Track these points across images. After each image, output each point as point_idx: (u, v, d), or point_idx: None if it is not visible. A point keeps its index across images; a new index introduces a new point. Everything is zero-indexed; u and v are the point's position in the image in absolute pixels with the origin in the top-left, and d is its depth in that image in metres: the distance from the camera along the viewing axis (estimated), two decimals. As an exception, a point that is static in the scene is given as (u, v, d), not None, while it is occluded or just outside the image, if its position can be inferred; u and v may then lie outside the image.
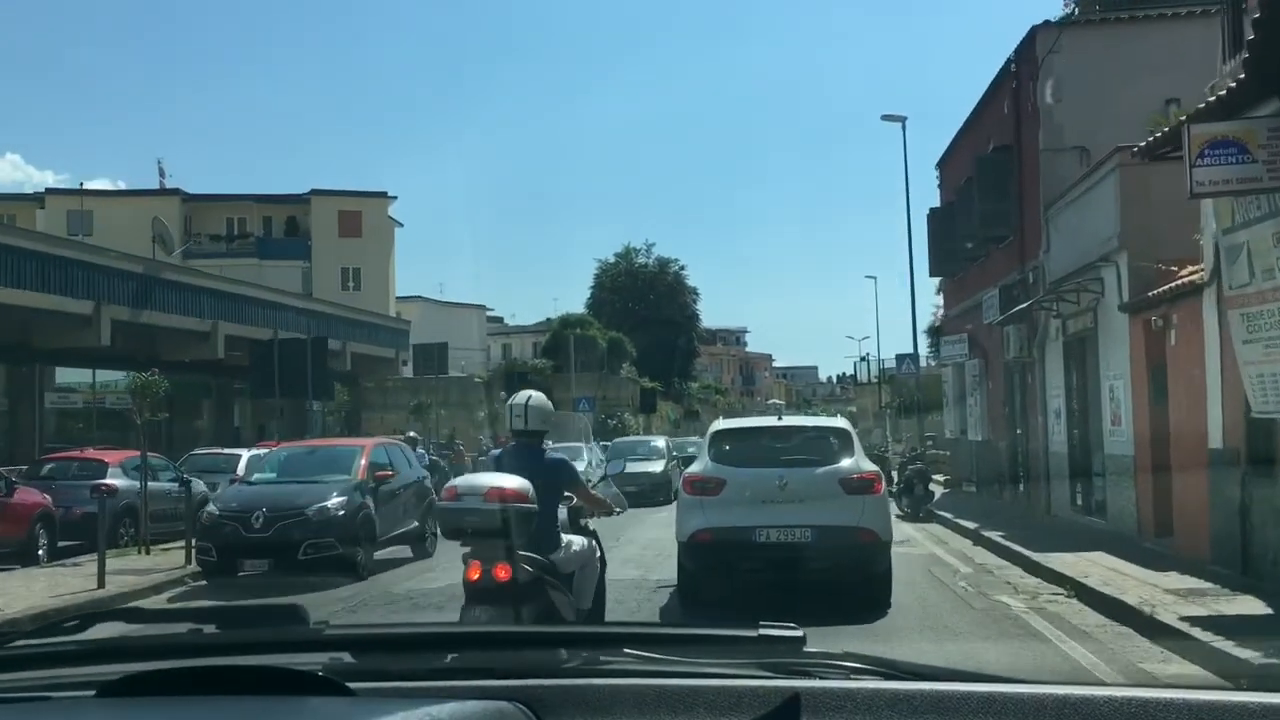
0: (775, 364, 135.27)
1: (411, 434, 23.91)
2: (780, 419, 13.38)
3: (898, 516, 24.26)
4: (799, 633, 2.09)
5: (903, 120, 34.61)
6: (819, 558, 10.81)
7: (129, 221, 58.88)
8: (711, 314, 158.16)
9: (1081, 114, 20.02)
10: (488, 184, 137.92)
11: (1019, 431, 23.03)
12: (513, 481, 6.70)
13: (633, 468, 26.68)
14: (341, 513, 15.21)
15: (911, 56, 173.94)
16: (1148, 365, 15.48)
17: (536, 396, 7.95)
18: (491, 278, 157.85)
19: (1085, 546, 15.59)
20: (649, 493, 26.29)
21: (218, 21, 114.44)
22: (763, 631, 2.10)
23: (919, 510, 23.04)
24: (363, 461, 16.36)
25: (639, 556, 16.24)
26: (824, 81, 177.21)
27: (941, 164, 29.74)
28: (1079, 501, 19.08)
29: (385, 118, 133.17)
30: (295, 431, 38.47)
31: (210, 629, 2.33)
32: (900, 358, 34.89)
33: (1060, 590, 12.70)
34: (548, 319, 78.84)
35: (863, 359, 73.36)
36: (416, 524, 17.62)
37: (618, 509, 8.83)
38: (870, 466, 12.06)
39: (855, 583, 11.12)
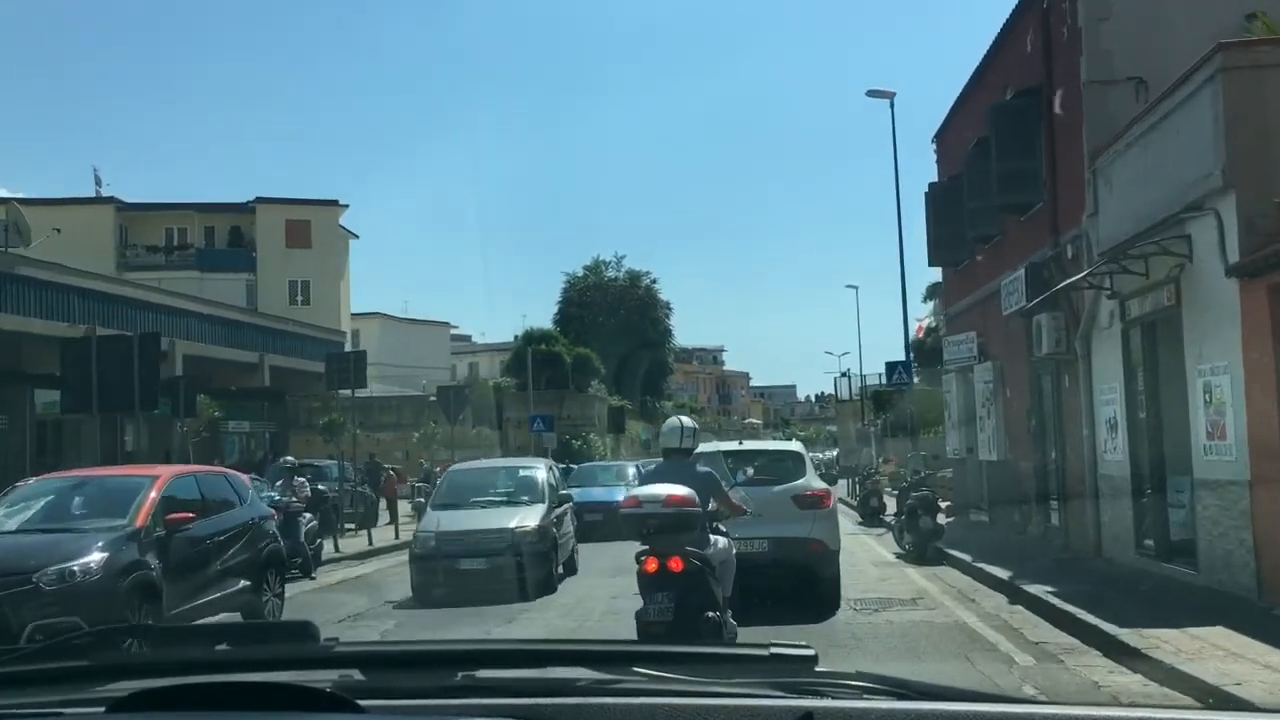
0: (753, 383, 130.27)
1: (288, 459, 18.70)
2: (741, 444, 14.48)
3: (897, 556, 19.36)
4: (810, 652, 2.08)
5: (890, 96, 29.90)
6: (774, 566, 11.88)
7: (62, 231, 53.65)
8: (689, 333, 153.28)
9: (1135, 37, 15.06)
10: (457, 200, 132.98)
11: (1051, 448, 17.95)
12: (683, 490, 7.99)
13: (596, 495, 23.50)
14: (98, 577, 10.01)
15: (895, 75, 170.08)
16: (1275, 352, 10.46)
17: (689, 420, 9.56)
18: (461, 296, 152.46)
19: (1185, 615, 10.48)
20: (616, 524, 20.37)
21: (177, 27, 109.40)
22: (774, 650, 2.09)
23: (925, 548, 17.92)
24: (150, 498, 11.11)
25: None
26: (800, 97, 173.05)
27: (940, 136, 24.72)
28: (1147, 541, 13.97)
29: (353, 133, 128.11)
30: (202, 456, 33.22)
31: (222, 646, 2.35)
32: (891, 366, 29.89)
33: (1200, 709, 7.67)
34: (515, 336, 73.62)
35: (843, 375, 68.28)
36: (245, 583, 12.42)
37: (749, 510, 9.29)
38: (820, 485, 13.59)
39: (808, 587, 12.42)
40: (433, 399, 59.43)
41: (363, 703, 1.88)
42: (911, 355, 66.50)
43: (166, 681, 2.01)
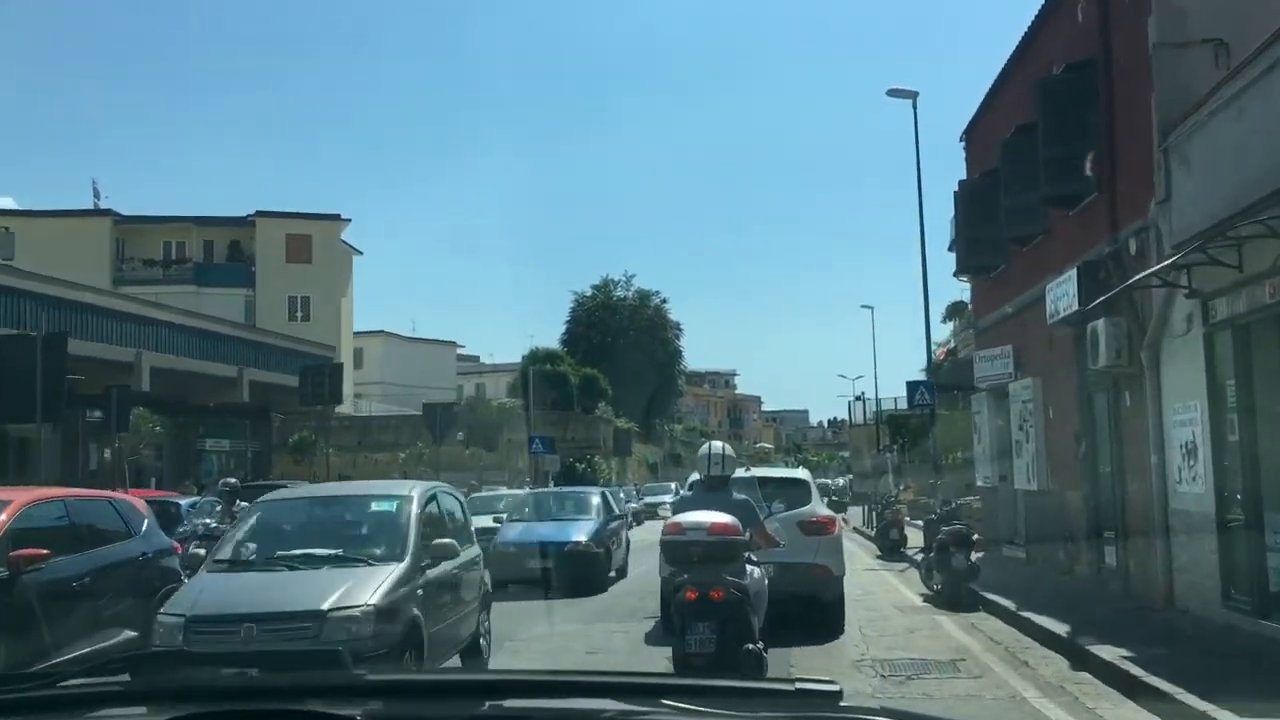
0: (765, 407, 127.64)
1: (228, 481, 16.25)
2: (749, 471, 12.77)
3: (925, 599, 16.82)
4: (836, 687, 2.06)
5: (913, 96, 27.50)
6: (780, 589, 10.47)
7: (56, 245, 51.58)
8: (701, 357, 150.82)
9: (1212, -5, 12.64)
10: (468, 221, 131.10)
11: (1106, 476, 15.34)
12: (727, 518, 7.75)
13: (541, 533, 18.63)
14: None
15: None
16: None
17: (726, 446, 9.22)
18: (470, 317, 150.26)
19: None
20: (566, 571, 17.08)
21: (190, 39, 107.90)
22: (799, 685, 2.08)
23: (959, 591, 15.32)
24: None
25: None
26: (811, 118, 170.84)
27: (970, 132, 22.22)
28: (1238, 592, 11.38)
29: (363, 152, 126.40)
30: (175, 476, 30.91)
31: (253, 673, 2.41)
32: (912, 387, 27.28)
33: None
34: (522, 357, 71.20)
35: (857, 398, 65.63)
36: (130, 634, 9.92)
37: (782, 543, 8.93)
38: (825, 511, 13.84)
39: (812, 610, 12.42)
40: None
41: None
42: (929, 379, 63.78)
43: (201, 708, 2.01)
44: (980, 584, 15.66)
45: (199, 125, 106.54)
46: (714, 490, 8.83)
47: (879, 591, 17.58)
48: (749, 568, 8.11)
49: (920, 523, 28.46)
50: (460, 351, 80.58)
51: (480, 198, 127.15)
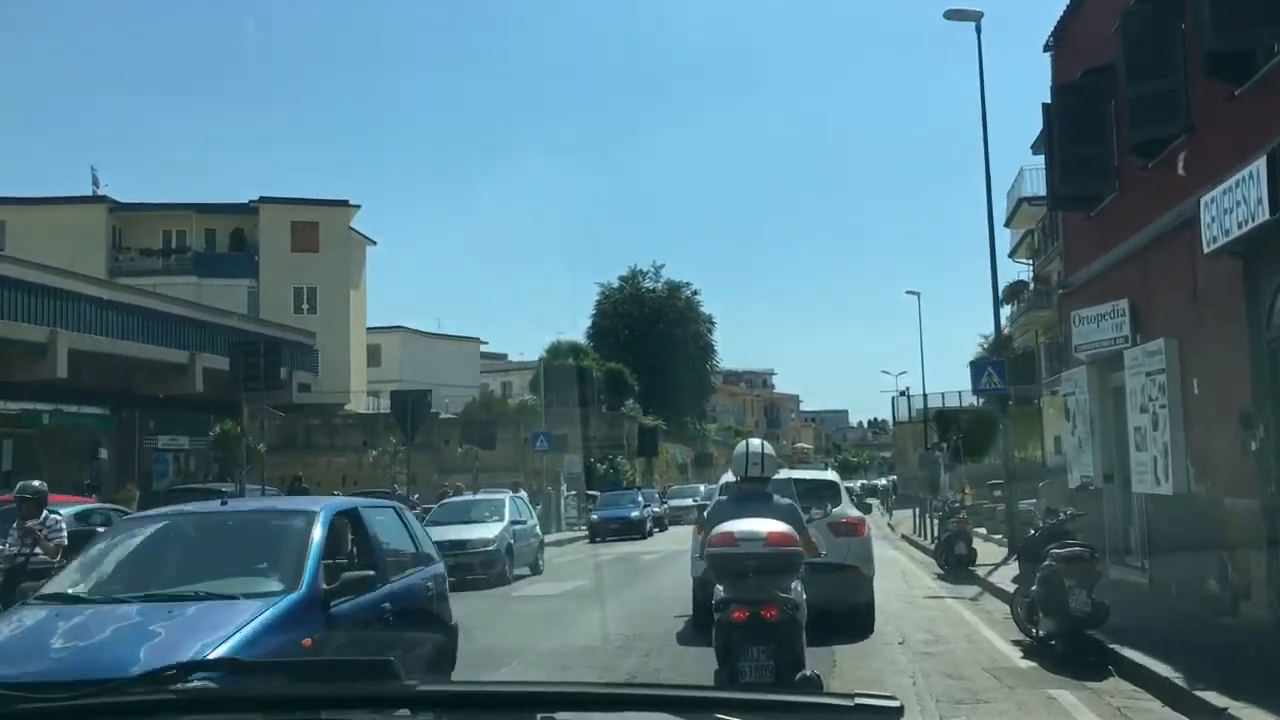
0: (803, 407, 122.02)
1: (32, 485, 11.32)
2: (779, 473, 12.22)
3: (1023, 651, 11.47)
4: (897, 703, 1.97)
5: (976, 18, 22.33)
6: (811, 591, 8.85)
7: (49, 234, 47.28)
8: (738, 356, 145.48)
9: None
10: (499, 218, 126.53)
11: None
12: (784, 527, 6.79)
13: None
14: None
15: (950, 99, 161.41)
16: None
17: (766, 445, 7.98)
18: (501, 317, 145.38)
19: None
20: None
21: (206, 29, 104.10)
22: (859, 701, 1.98)
23: (1078, 642, 10.16)
24: None
25: None
26: (853, 121, 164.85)
27: (1060, 32, 16.95)
28: None
29: (395, 150, 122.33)
30: (119, 477, 26.27)
31: (305, 683, 2.28)
32: (978, 367, 21.88)
33: None
34: (544, 350, 66.23)
35: (902, 394, 60.05)
36: None
37: (823, 553, 7.72)
38: (855, 513, 13.47)
39: (844, 611, 11.76)
40: (442, 415, 52.35)
41: None
42: (996, 373, 57.86)
43: (249, 717, 1.99)
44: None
45: (198, 111, 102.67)
46: (753, 494, 7.61)
47: (954, 636, 12.36)
48: (792, 582, 7.07)
49: (982, 531, 23.15)
50: (485, 349, 75.66)
51: (511, 197, 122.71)
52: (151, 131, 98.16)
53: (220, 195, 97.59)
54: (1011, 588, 16.32)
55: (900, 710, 1.95)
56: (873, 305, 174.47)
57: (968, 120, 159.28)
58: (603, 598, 16.94)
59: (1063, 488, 19.70)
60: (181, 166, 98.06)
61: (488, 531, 19.70)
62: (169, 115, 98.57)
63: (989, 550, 20.84)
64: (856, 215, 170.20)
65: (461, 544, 19.41)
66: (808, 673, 6.69)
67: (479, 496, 22.61)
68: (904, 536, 31.95)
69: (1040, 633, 10.89)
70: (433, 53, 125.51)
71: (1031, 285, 39.14)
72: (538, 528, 22.43)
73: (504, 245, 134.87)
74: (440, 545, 18.92)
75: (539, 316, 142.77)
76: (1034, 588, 11.00)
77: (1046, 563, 10.75)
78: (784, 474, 12.49)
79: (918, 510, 34.40)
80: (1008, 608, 14.91)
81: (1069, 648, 10.27)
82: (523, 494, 28.63)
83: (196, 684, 2.27)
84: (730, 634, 6.61)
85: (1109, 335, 14.45)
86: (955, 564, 18.86)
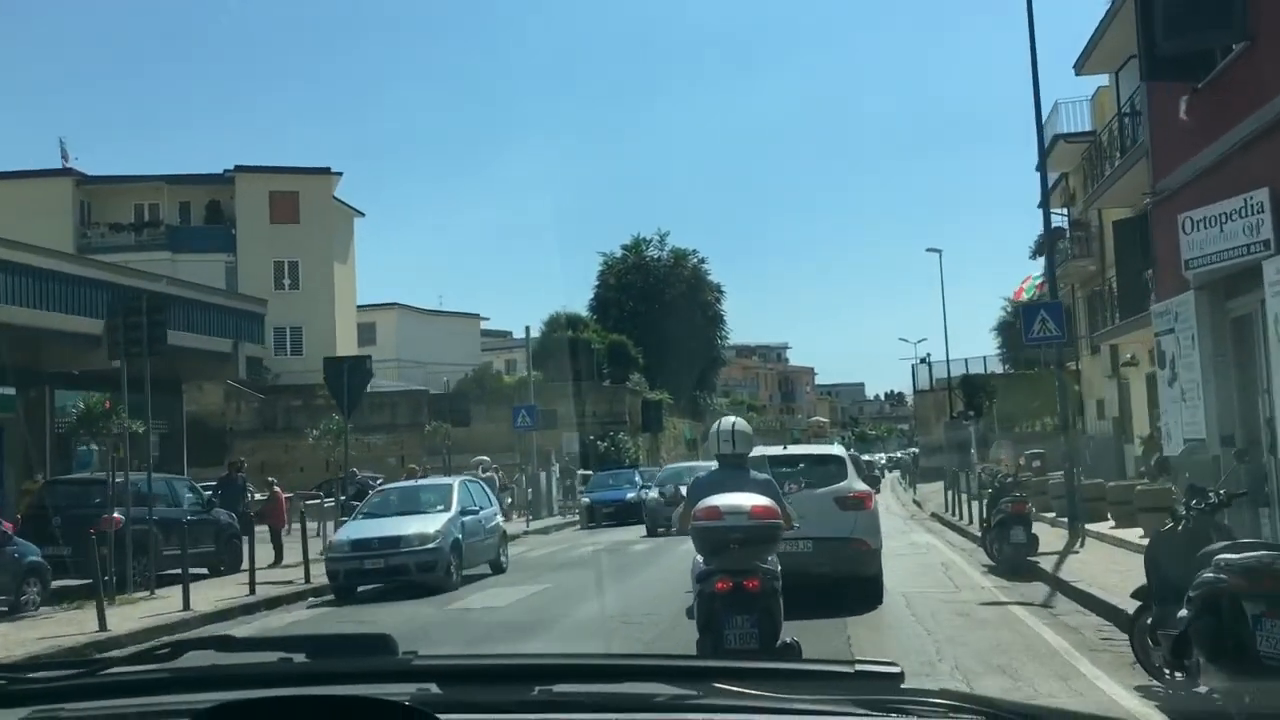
0: (818, 380, 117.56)
1: None
2: (785, 448, 14.14)
3: (1153, 693, 7.58)
4: (897, 669, 1.91)
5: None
6: (817, 564, 11.35)
7: (12, 209, 43.35)
8: (751, 331, 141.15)
9: None
10: (502, 197, 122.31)
11: None
12: (766, 500, 6.93)
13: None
14: None
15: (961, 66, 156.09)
16: None
17: (740, 422, 8.10)
18: (504, 295, 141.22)
19: None
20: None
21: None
22: (859, 668, 1.96)
23: (1245, 666, 6.05)
24: None
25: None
26: (866, 89, 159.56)
27: None
28: None
29: (397, 128, 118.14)
30: (24, 468, 22.40)
31: (300, 658, 2.16)
32: (1029, 312, 17.57)
33: None
34: (541, 324, 61.90)
35: (922, 361, 55.67)
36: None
37: (796, 524, 7.83)
38: (862, 487, 12.90)
39: (852, 584, 11.90)
40: (432, 392, 48.24)
41: (440, 716, 1.78)
42: (996, 340, 53.36)
43: (248, 694, 1.90)
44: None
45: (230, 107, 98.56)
46: (733, 470, 7.67)
47: (1042, 675, 8.15)
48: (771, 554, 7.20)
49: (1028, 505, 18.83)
50: (486, 326, 71.46)
51: (515, 172, 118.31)
52: (124, 101, 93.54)
53: (203, 168, 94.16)
54: (1087, 581, 12.23)
55: (900, 676, 1.90)
56: (887, 273, 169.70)
57: (980, 78, 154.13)
58: (561, 612, 12.91)
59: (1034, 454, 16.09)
60: (158, 137, 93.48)
61: (427, 525, 15.62)
62: (142, 83, 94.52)
63: (1044, 534, 16.68)
64: (866, 182, 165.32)
65: (393, 542, 15.38)
66: (787, 639, 6.79)
67: (423, 482, 18.45)
68: (934, 515, 27.73)
69: (1205, 688, 6.70)
70: (431, 25, 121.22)
71: (1069, 233, 34.66)
72: (499, 517, 18.32)
73: (507, 221, 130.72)
74: (365, 544, 15.11)
75: (543, 293, 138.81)
76: (1184, 613, 6.82)
77: (1206, 574, 6.58)
78: (795, 450, 13.81)
79: (948, 485, 30.21)
80: (1096, 619, 10.84)
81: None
82: (491, 475, 24.57)
83: (191, 661, 2.18)
84: (714, 603, 6.68)
85: (1238, 242, 10.22)
86: (1011, 553, 14.69)
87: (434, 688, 1.99)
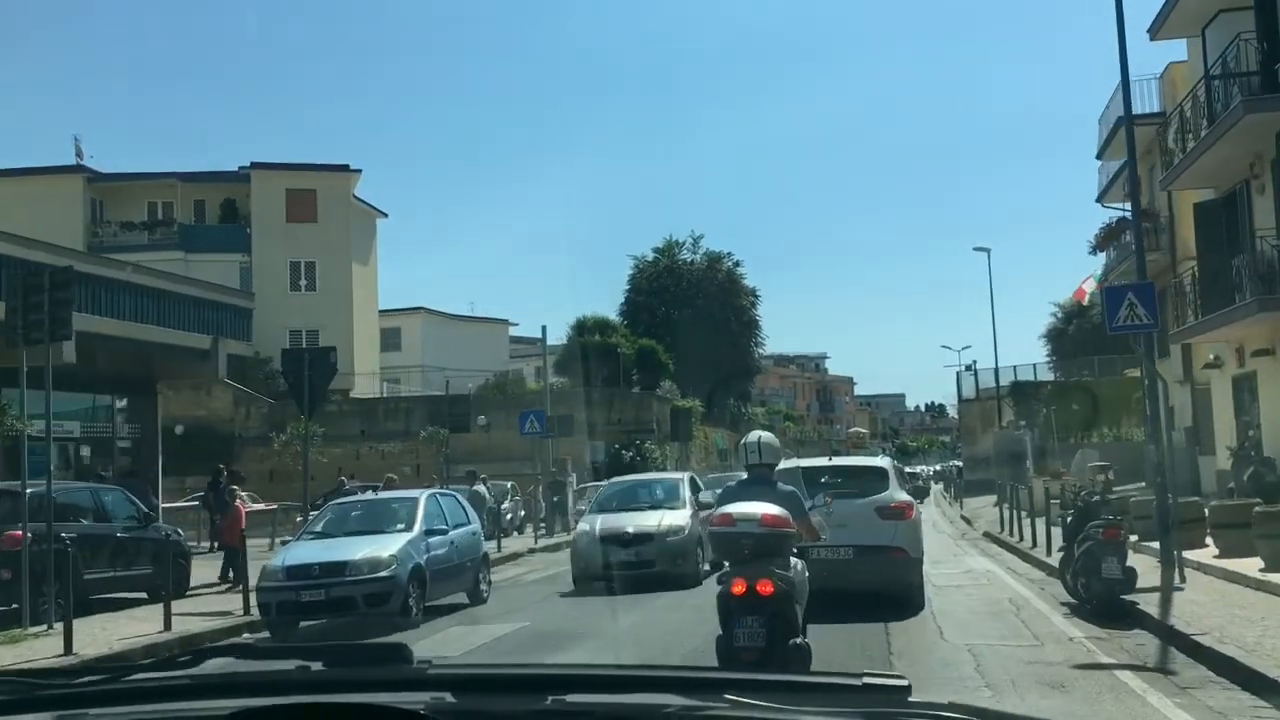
0: (858, 391, 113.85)
1: None
2: (830, 460, 14.78)
3: None
4: (904, 682, 1.93)
5: None
6: (859, 571, 11.68)
7: (21, 206, 41.21)
8: (789, 341, 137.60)
9: None
10: (537, 205, 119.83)
11: None
12: (778, 509, 7.12)
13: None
14: None
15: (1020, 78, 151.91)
16: None
17: (766, 436, 8.37)
18: (538, 301, 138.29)
19: None
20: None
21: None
22: (866, 680, 1.96)
23: None
24: None
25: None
26: (911, 101, 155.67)
27: None
28: None
29: (436, 140, 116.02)
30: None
31: (317, 665, 2.20)
32: (1114, 294, 14.31)
33: None
34: (568, 328, 58.94)
35: (967, 368, 52.16)
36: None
37: (824, 536, 8.30)
38: (903, 498, 13.12)
39: (893, 591, 12.11)
40: (428, 394, 45.35)
41: None
42: (1046, 347, 49.43)
43: (266, 701, 1.93)
44: None
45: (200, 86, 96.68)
46: (759, 481, 7.91)
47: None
48: (791, 559, 7.34)
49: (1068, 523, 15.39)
50: (516, 332, 68.69)
51: (551, 180, 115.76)
52: (140, 97, 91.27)
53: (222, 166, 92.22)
54: (1212, 633, 9.20)
55: (908, 689, 1.90)
56: (929, 281, 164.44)
57: (1026, 80, 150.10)
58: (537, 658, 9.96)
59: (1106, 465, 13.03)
60: (177, 136, 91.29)
61: (381, 548, 12.64)
62: (161, 79, 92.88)
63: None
64: (906, 189, 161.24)
65: (337, 569, 12.46)
66: (798, 640, 6.98)
67: (385, 496, 15.48)
68: (988, 535, 24.44)
69: None
70: (462, 31, 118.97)
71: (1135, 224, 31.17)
72: (478, 536, 15.30)
73: (540, 228, 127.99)
74: (303, 571, 12.25)
75: (576, 300, 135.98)
76: None
77: None
78: (839, 461, 14.54)
79: (1000, 500, 26.90)
80: (1245, 696, 7.75)
81: None
82: (479, 488, 21.59)
83: (209, 668, 2.23)
84: (729, 604, 6.91)
85: None
86: (1103, 591, 11.50)
87: (449, 696, 1.99)
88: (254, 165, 46.70)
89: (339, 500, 15.69)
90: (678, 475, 19.65)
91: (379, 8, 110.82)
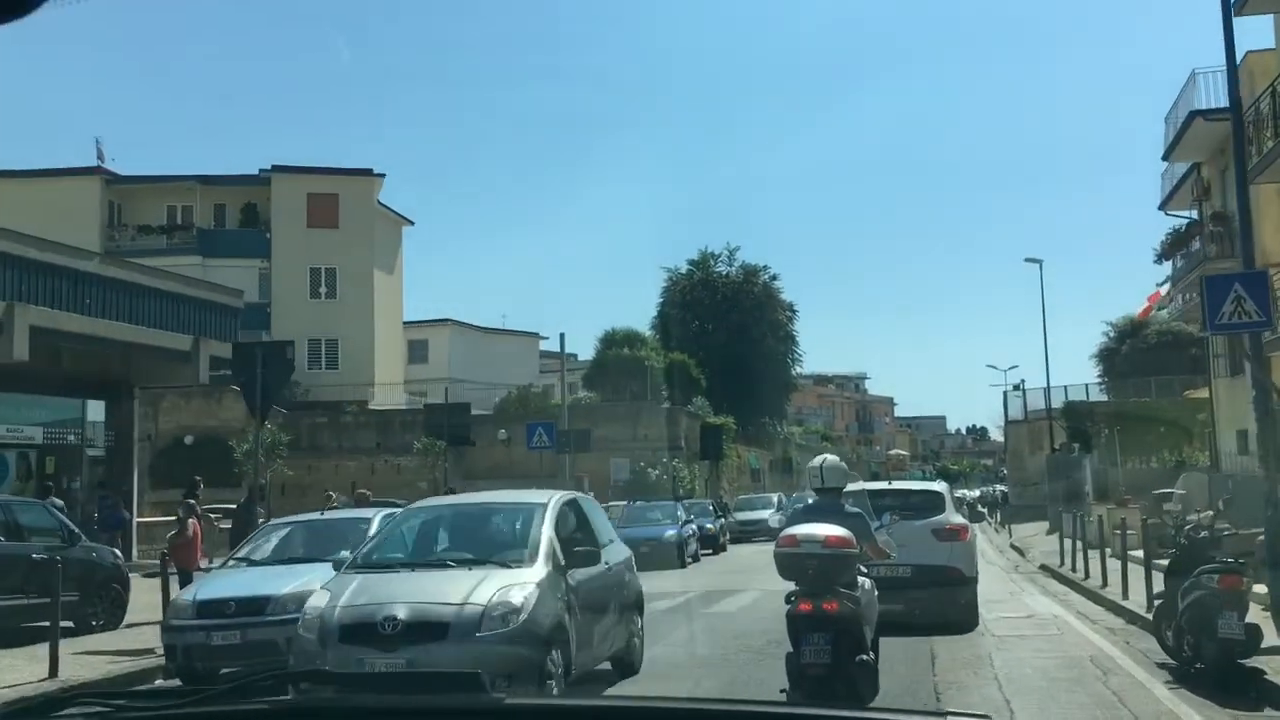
0: (898, 412, 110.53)
1: None
2: (890, 483, 15.46)
3: None
4: (990, 718, 1.83)
5: None
6: (916, 589, 12.03)
7: (39, 208, 39.60)
8: (828, 360, 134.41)
9: None
10: (575, 220, 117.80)
11: None
12: (841, 531, 7.21)
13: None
14: None
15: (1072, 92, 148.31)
16: None
17: (830, 459, 8.47)
18: (571, 317, 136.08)
19: None
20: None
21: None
22: (950, 717, 1.96)
23: None
24: None
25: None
26: (948, 122, 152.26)
27: None
28: None
29: (482, 156, 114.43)
30: None
31: (393, 695, 2.20)
32: (1217, 287, 11.59)
33: None
34: (596, 340, 56.42)
35: (1015, 388, 49.13)
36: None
37: (892, 555, 8.33)
38: (959, 520, 13.77)
39: (948, 608, 12.48)
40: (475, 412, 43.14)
41: None
42: (1098, 367, 46.38)
43: None
44: None
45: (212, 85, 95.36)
46: (828, 503, 8.11)
47: None
48: (860, 579, 7.48)
49: (1163, 564, 12.51)
50: (546, 346, 66.34)
51: (590, 196, 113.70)
52: (161, 100, 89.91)
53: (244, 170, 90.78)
54: None
55: None
56: (973, 301, 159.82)
57: (1077, 94, 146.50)
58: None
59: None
60: (201, 139, 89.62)
61: (314, 582, 10.20)
62: (186, 80, 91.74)
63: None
64: (951, 207, 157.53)
65: (257, 605, 10.04)
66: (865, 657, 7.06)
67: (337, 516, 13.00)
68: (1045, 568, 21.65)
69: None
70: (525, 60, 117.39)
71: (1205, 229, 28.35)
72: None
73: (578, 243, 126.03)
74: (217, 608, 9.85)
75: (611, 315, 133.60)
76: None
77: None
78: (899, 485, 15.48)
79: (1055, 529, 24.08)
80: None
81: None
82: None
83: (289, 696, 2.20)
84: (797, 622, 7.02)
85: None
86: (1218, 654, 8.85)
87: None
88: (275, 168, 44.90)
89: (280, 521, 13.23)
90: (543, 499, 9.91)
91: (418, 24, 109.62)
